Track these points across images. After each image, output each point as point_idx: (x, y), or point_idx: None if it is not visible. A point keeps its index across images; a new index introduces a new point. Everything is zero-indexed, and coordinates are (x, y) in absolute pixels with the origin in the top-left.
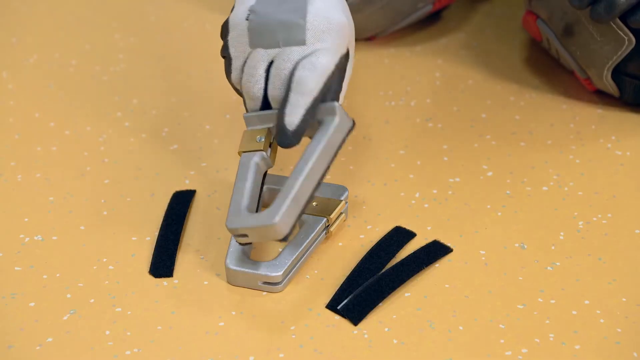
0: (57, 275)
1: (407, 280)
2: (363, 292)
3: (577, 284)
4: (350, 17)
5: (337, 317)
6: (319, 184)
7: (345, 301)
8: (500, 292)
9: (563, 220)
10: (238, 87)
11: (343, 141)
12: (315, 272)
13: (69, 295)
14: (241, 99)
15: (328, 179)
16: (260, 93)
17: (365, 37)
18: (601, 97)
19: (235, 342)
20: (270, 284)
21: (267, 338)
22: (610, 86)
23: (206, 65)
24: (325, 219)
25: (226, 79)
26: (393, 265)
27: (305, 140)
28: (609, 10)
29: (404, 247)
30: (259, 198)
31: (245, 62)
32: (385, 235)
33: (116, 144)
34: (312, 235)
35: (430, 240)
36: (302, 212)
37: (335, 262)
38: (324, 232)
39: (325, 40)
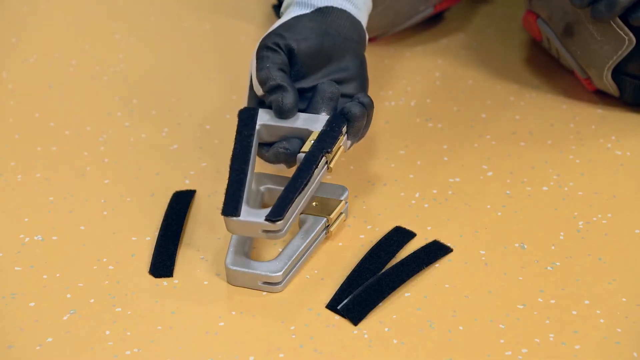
0: (57, 275)
1: (407, 280)
2: (363, 292)
3: (577, 284)
4: None
5: (337, 317)
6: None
7: (345, 301)
8: (500, 292)
9: (563, 220)
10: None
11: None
12: (315, 272)
13: (69, 295)
14: (240, 98)
15: (328, 179)
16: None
17: None
18: (601, 97)
19: (235, 342)
20: (270, 284)
21: (267, 338)
22: (610, 86)
23: (206, 65)
24: (325, 219)
25: (226, 79)
26: (393, 265)
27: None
28: (609, 9)
29: (404, 247)
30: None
31: None
32: (385, 235)
33: (116, 144)
34: (312, 235)
35: (430, 240)
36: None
37: (335, 262)
38: (324, 232)
39: None
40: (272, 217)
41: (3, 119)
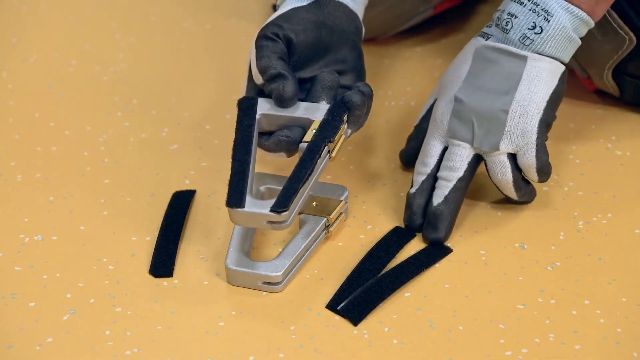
0: (57, 275)
1: (407, 281)
2: (363, 292)
3: (577, 284)
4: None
5: (337, 317)
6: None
7: (346, 302)
8: (500, 292)
9: (563, 220)
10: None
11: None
12: (315, 272)
13: (69, 295)
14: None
15: (328, 179)
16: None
17: (366, 38)
18: (601, 97)
19: (235, 342)
20: (270, 284)
21: (267, 338)
22: (610, 86)
23: (206, 65)
24: (325, 219)
25: (226, 79)
26: (393, 267)
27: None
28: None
29: (404, 247)
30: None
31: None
32: (385, 235)
33: (116, 144)
34: (312, 235)
35: None
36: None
37: (335, 262)
38: (324, 232)
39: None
40: (278, 208)
41: (3, 119)
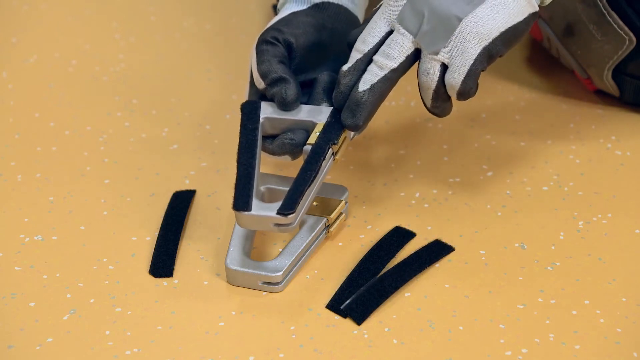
0: (57, 275)
1: (410, 279)
2: (366, 291)
3: (577, 284)
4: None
5: (337, 317)
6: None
7: (349, 301)
8: (500, 292)
9: (563, 220)
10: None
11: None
12: (315, 272)
13: (69, 295)
14: (240, 98)
15: (328, 179)
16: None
17: None
18: (601, 97)
19: (235, 342)
20: (270, 284)
21: (267, 338)
22: (610, 86)
23: (206, 65)
24: (325, 219)
25: (227, 79)
26: (396, 265)
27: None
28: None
29: (404, 247)
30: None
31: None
32: (385, 235)
33: (116, 144)
34: (312, 235)
35: (430, 240)
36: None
37: (335, 262)
38: (324, 232)
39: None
40: (284, 211)
41: (3, 119)
